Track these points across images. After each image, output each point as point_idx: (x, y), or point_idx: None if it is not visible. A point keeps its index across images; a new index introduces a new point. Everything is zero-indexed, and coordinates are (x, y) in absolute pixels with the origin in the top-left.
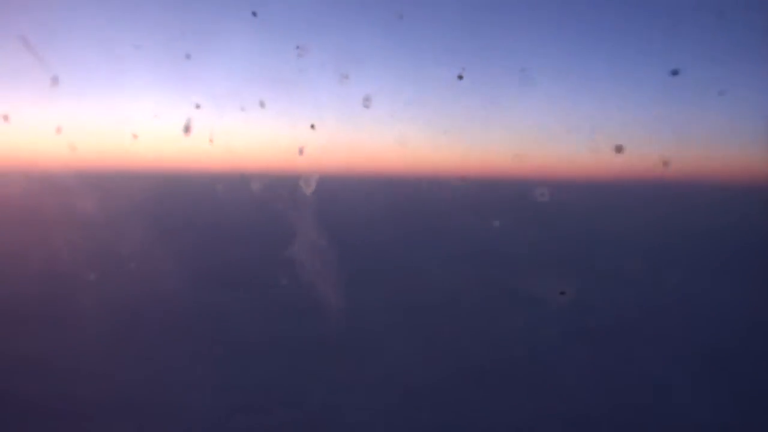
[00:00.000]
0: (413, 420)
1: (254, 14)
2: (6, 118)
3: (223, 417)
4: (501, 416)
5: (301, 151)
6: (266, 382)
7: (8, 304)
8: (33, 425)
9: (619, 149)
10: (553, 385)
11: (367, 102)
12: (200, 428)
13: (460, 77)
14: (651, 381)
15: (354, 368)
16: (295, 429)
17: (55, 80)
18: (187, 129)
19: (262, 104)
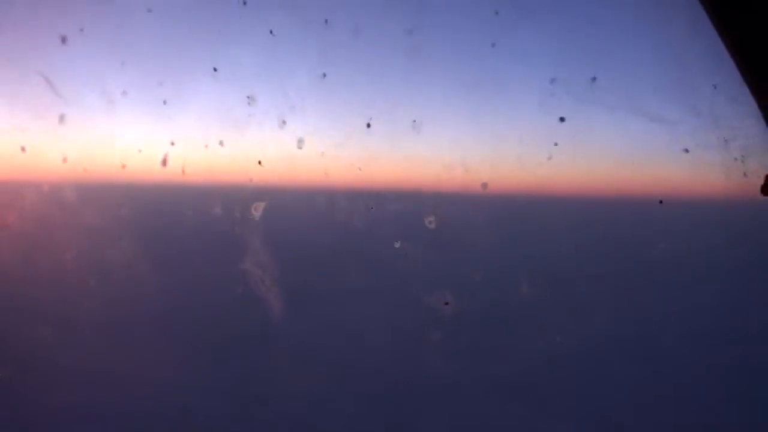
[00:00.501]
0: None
1: (215, 69)
2: (23, 149)
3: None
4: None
5: (251, 181)
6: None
7: (19, 304)
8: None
9: (484, 186)
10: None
11: (300, 143)
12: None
13: (368, 125)
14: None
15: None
16: None
17: (62, 118)
18: (164, 162)
19: (221, 143)
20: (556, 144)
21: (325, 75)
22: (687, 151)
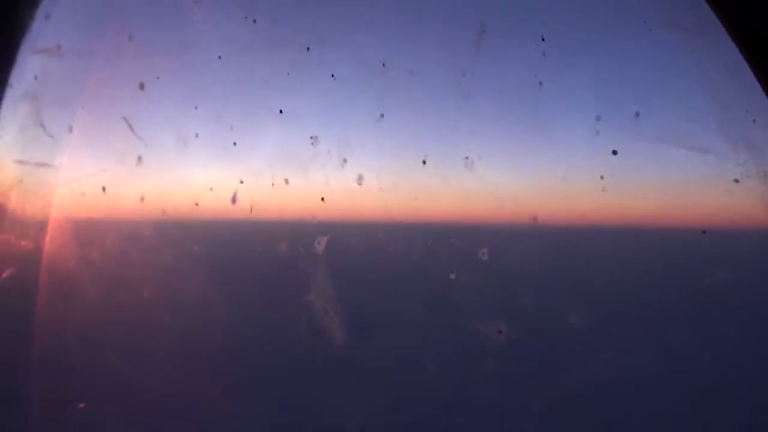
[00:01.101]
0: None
1: (281, 112)
2: (104, 189)
3: None
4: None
5: (314, 217)
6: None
7: (99, 336)
8: None
9: (534, 219)
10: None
11: (360, 180)
12: None
13: (424, 162)
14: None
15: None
16: None
17: (140, 159)
18: (234, 199)
19: (286, 181)
20: (602, 177)
21: (383, 115)
22: (737, 181)
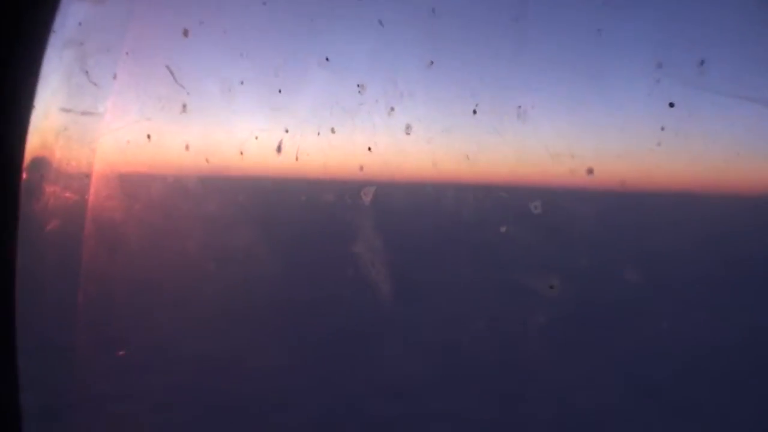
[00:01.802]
0: None
1: (327, 59)
2: (149, 137)
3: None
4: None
5: (361, 168)
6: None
7: (143, 288)
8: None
9: (590, 171)
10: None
11: (408, 129)
12: None
13: (475, 112)
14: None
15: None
16: None
17: (184, 107)
18: (279, 148)
19: (332, 130)
20: (662, 128)
21: (432, 63)
22: None
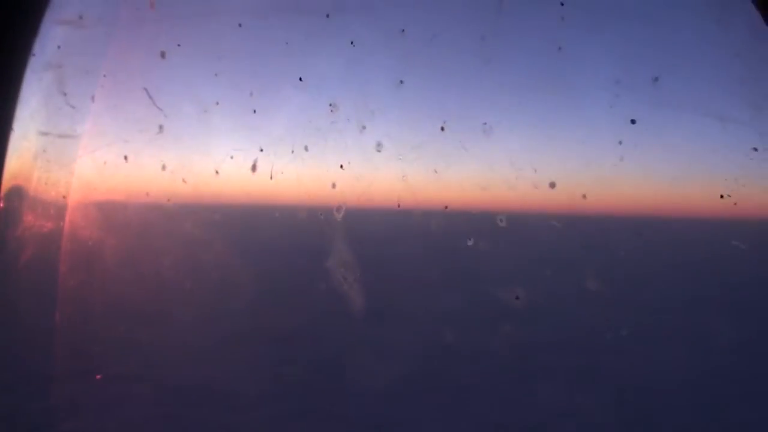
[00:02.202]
0: None
1: (300, 79)
2: (126, 158)
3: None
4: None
5: (334, 185)
6: None
7: (124, 304)
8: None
9: (552, 185)
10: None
11: (379, 147)
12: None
13: (443, 128)
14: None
15: None
16: None
17: (161, 128)
18: (254, 167)
19: (306, 148)
20: (620, 143)
21: (402, 82)
22: (756, 149)
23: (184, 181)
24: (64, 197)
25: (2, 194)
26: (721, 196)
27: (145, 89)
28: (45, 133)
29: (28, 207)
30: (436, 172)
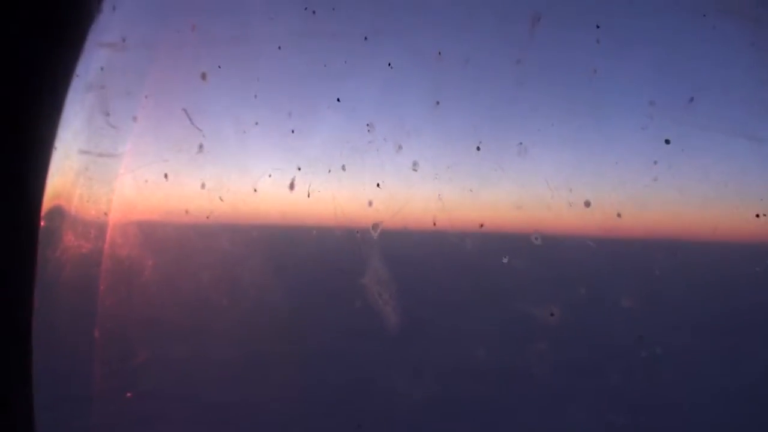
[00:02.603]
0: None
1: (338, 100)
2: (167, 176)
3: None
4: None
5: (370, 203)
6: None
7: (161, 320)
8: None
9: (587, 204)
10: None
11: (415, 166)
12: None
13: (478, 148)
14: None
15: None
16: None
17: (200, 147)
18: (291, 186)
19: (343, 168)
20: (655, 162)
21: (438, 103)
22: None
23: (221, 198)
24: (105, 214)
25: (44, 213)
26: (757, 216)
27: (185, 110)
28: (86, 152)
29: (69, 226)
30: (471, 191)
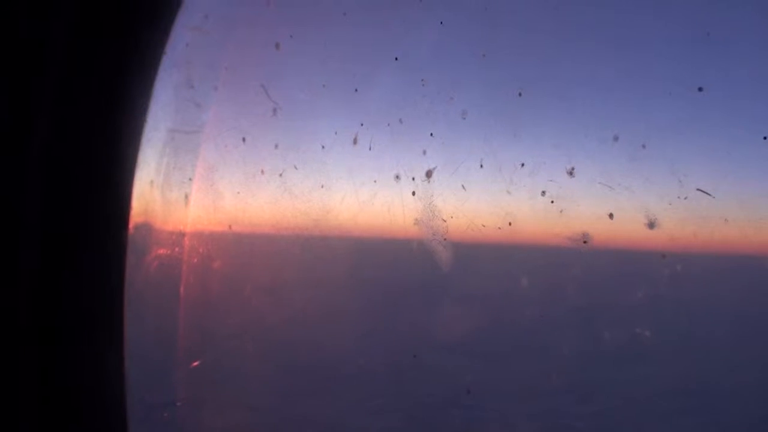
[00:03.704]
0: None
1: (396, 59)
2: (244, 140)
3: None
4: None
5: (424, 152)
6: None
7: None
8: None
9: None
10: None
11: (464, 114)
12: None
13: (520, 94)
14: None
15: None
16: None
17: (274, 111)
18: (355, 141)
19: (400, 121)
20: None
21: (484, 55)
22: None
23: (295, 167)
24: (189, 179)
25: (134, 190)
26: None
27: (262, 85)
28: (174, 130)
29: (156, 199)
30: (515, 135)
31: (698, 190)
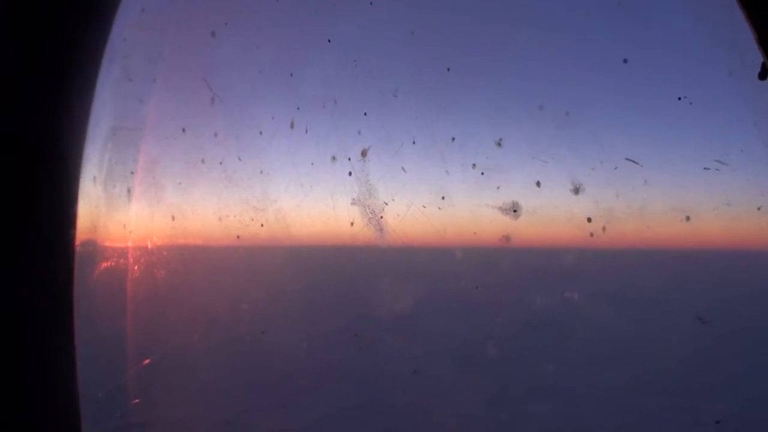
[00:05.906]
0: None
1: (329, 41)
2: (184, 130)
3: None
4: None
5: (359, 132)
6: None
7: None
8: None
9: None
10: None
11: (396, 92)
12: None
13: (448, 70)
14: None
15: None
16: None
17: (212, 100)
18: (292, 125)
19: (335, 102)
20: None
21: (413, 32)
22: None
23: (239, 159)
24: (132, 173)
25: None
26: None
27: (204, 79)
28: (113, 123)
29: (99, 194)
30: (444, 110)
31: (627, 159)
